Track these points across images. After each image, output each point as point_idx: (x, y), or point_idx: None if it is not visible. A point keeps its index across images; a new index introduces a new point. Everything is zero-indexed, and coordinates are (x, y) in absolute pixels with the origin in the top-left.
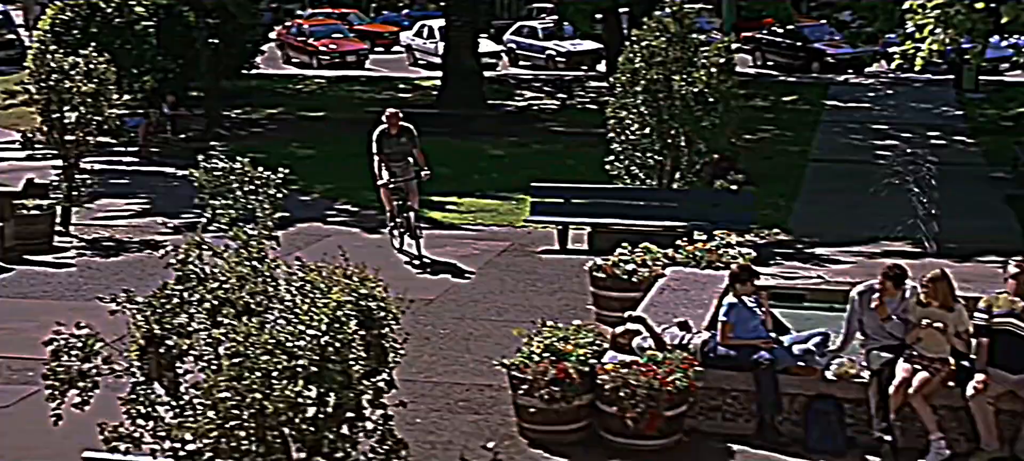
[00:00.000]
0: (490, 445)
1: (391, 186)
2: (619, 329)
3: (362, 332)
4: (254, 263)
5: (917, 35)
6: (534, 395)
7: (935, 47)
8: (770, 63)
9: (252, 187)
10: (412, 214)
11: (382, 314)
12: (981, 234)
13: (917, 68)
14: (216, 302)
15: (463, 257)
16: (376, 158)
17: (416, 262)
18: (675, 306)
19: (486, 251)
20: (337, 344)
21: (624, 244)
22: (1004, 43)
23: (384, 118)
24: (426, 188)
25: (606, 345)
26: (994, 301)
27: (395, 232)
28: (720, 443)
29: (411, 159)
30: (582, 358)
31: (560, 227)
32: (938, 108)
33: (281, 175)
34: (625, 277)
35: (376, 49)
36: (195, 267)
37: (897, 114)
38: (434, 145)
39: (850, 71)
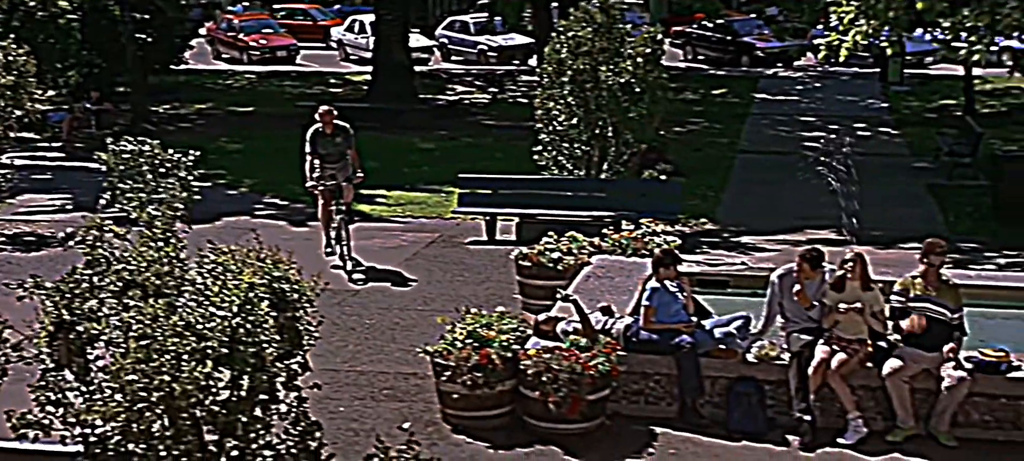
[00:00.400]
0: (405, 426)
1: (322, 187)
2: (542, 316)
3: (275, 314)
4: (159, 243)
5: (841, 27)
6: (457, 381)
7: (859, 38)
8: (700, 57)
9: (162, 170)
10: (343, 215)
11: (296, 296)
12: (904, 222)
13: (842, 59)
14: (121, 284)
15: (391, 249)
16: (309, 158)
17: (346, 264)
18: (600, 293)
19: (414, 243)
20: (248, 326)
21: (551, 233)
22: (928, 37)
23: (318, 116)
24: None
25: (529, 331)
26: (910, 283)
27: (332, 243)
28: (643, 426)
29: (347, 158)
30: (505, 344)
31: (488, 218)
32: (864, 100)
33: (191, 158)
34: (551, 265)
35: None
36: (104, 250)
37: (824, 106)
38: (364, 139)
39: (779, 65)
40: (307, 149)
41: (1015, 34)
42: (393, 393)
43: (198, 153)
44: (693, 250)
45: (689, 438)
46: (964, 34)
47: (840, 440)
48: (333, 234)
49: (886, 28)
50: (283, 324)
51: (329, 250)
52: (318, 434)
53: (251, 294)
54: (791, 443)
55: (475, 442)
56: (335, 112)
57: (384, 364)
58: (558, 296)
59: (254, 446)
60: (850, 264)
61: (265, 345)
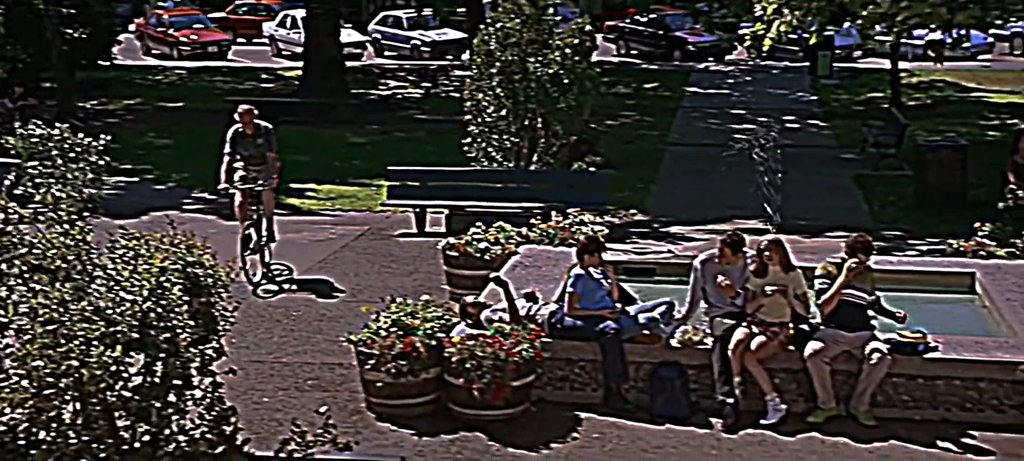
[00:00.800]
0: (322, 409)
1: (238, 189)
2: (470, 298)
3: (188, 299)
4: (65, 226)
5: (766, 18)
6: (381, 370)
7: (783, 28)
8: (633, 52)
9: (72, 155)
10: (262, 224)
11: (210, 281)
12: (830, 212)
13: (766, 50)
14: (27, 269)
15: (320, 242)
16: (226, 159)
17: (255, 274)
18: (527, 282)
19: (343, 235)
20: (160, 310)
21: (479, 224)
22: (855, 31)
23: (238, 115)
24: (286, 174)
25: (455, 319)
26: (831, 268)
27: (247, 255)
28: (568, 412)
29: (269, 160)
30: (429, 332)
31: (417, 210)
32: (794, 94)
33: (101, 143)
34: (478, 255)
35: None
36: (11, 235)
37: (755, 100)
38: (295, 134)
39: (711, 59)
40: (226, 149)
41: (931, 26)
42: (318, 383)
43: (109, 137)
44: (623, 240)
45: (614, 423)
46: (881, 26)
47: (762, 421)
48: (251, 237)
49: (809, 19)
50: (197, 309)
51: (243, 249)
52: (233, 419)
53: (162, 279)
54: (714, 426)
55: (400, 430)
56: (256, 112)
57: (309, 355)
58: (491, 278)
59: (167, 431)
60: (767, 252)
61: (178, 330)
